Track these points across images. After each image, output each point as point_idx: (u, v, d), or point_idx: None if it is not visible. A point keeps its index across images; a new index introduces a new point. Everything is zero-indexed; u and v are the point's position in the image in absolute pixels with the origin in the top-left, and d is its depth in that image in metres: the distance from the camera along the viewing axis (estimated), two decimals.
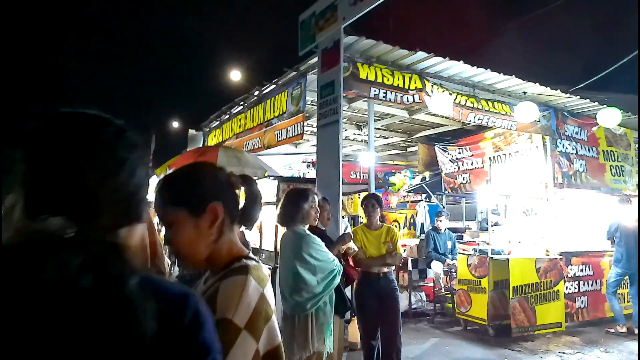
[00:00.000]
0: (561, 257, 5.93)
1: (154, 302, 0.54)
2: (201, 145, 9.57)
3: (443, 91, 5.44)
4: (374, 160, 5.80)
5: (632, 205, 5.81)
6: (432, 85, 5.37)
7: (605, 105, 6.40)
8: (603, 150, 7.17)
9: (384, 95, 5.02)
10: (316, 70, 5.05)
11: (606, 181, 7.09)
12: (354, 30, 4.68)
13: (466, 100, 5.62)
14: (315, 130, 5.26)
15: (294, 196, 2.95)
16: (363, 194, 5.95)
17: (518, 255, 5.97)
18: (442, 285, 6.36)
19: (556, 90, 6.11)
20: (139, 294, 0.53)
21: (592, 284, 6.31)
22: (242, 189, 1.18)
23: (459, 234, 7.84)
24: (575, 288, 6.12)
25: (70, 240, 0.52)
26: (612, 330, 5.64)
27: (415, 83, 5.23)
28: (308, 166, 9.50)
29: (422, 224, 9.17)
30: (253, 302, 1.00)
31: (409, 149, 9.96)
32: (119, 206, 0.64)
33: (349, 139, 8.70)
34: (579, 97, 6.37)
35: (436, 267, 6.49)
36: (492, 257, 5.52)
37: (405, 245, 7.38)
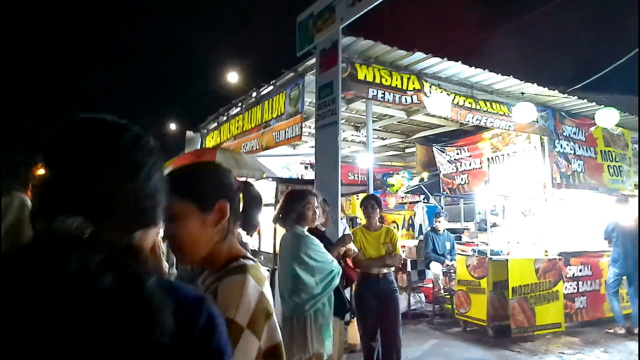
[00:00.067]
0: (560, 257, 5.92)
1: (171, 303, 0.55)
2: (199, 147, 9.52)
3: (441, 92, 5.44)
4: (372, 161, 5.79)
5: (629, 205, 5.82)
6: (430, 86, 5.37)
7: (602, 106, 6.41)
8: (601, 151, 7.18)
9: (382, 96, 5.02)
10: (314, 71, 5.04)
11: (604, 181, 7.10)
12: (352, 31, 4.68)
13: (464, 101, 5.62)
14: (313, 131, 5.25)
15: (291, 197, 2.94)
16: (361, 196, 5.94)
17: (517, 255, 5.97)
18: (441, 286, 6.35)
19: (554, 90, 6.12)
20: (157, 294, 0.53)
21: (591, 284, 6.31)
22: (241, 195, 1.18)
23: (458, 234, 7.82)
24: (574, 288, 6.11)
25: (89, 239, 0.53)
26: (612, 331, 5.65)
27: (413, 84, 5.23)
28: (306, 167, 9.45)
29: (420, 225, 9.14)
30: (253, 301, 1.00)
31: (407, 150, 9.95)
32: (135, 210, 0.66)
33: (347, 140, 8.68)
34: (576, 97, 6.39)
35: (435, 268, 6.47)
36: (491, 258, 5.52)
37: (404, 246, 7.37)
